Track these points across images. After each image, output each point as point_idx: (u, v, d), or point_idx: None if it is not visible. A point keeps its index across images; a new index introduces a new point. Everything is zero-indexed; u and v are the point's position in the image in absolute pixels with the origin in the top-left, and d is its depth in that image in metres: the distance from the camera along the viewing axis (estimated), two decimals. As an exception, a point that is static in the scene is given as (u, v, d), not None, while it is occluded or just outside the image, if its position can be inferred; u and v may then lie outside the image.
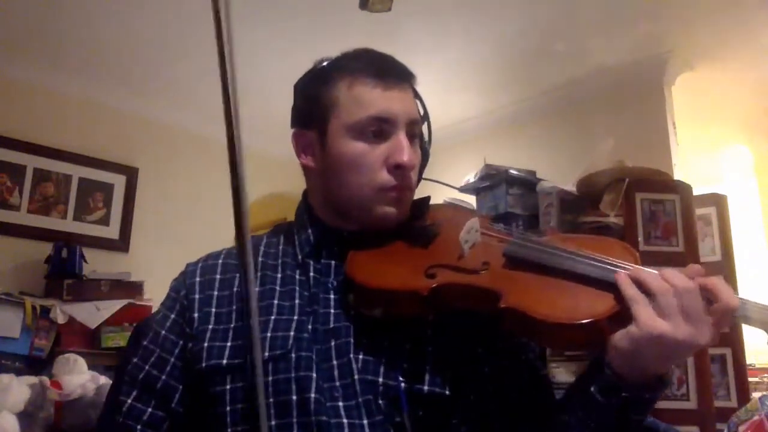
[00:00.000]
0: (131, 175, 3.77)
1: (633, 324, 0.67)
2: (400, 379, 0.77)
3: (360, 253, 0.84)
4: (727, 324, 0.68)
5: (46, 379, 2.50)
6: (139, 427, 0.82)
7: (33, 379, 2.51)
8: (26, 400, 2.42)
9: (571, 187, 2.39)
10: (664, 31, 3.10)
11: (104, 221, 3.65)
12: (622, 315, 0.70)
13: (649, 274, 0.69)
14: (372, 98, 0.85)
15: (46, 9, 2.90)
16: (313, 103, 0.90)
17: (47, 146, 3.46)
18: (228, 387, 0.78)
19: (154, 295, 3.14)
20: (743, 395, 2.18)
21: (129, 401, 0.84)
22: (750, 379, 2.41)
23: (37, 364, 2.77)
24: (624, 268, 0.72)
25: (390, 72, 0.88)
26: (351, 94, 0.86)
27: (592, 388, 0.72)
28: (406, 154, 0.84)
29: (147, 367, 0.85)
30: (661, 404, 2.03)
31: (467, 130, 4.02)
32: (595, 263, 0.74)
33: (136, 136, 3.82)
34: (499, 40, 3.17)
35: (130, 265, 3.50)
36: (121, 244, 3.68)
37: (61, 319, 2.90)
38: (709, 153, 4.12)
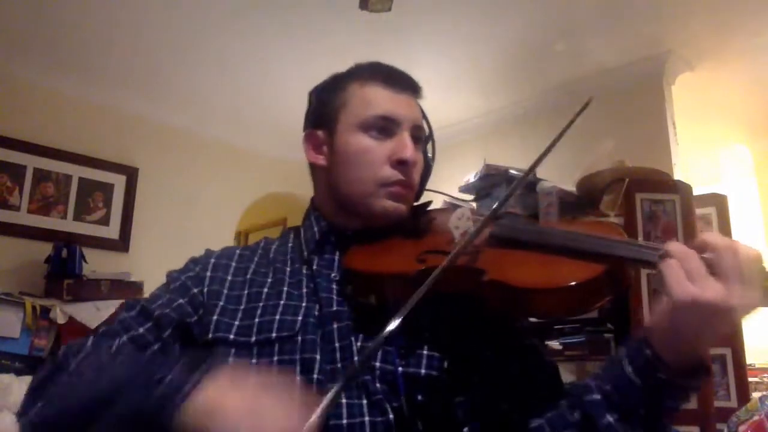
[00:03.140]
0: (131, 175, 3.78)
1: (665, 293, 0.66)
2: (397, 362, 0.78)
3: (359, 246, 0.89)
4: (753, 285, 0.64)
5: (46, 379, 2.50)
6: (125, 337, 0.82)
7: (33, 379, 2.51)
8: (26, 400, 2.42)
9: (571, 187, 2.39)
10: (664, 31, 3.10)
11: (104, 221, 3.66)
12: (606, 282, 0.72)
13: (676, 243, 0.68)
14: (380, 99, 0.91)
15: (47, 9, 2.90)
16: (325, 105, 0.95)
17: (47, 146, 3.47)
18: (231, 360, 0.81)
19: (154, 295, 3.15)
20: (743, 395, 2.18)
21: (125, 315, 0.86)
22: (750, 379, 2.41)
23: (37, 364, 2.77)
24: (612, 243, 0.74)
25: (399, 80, 0.94)
26: (361, 95, 0.92)
27: (627, 368, 0.71)
28: (410, 150, 0.89)
29: (149, 302, 0.87)
30: (661, 404, 2.03)
31: (467, 130, 4.02)
32: (582, 238, 0.77)
33: (136, 136, 3.83)
34: (499, 40, 3.18)
35: (130, 265, 3.51)
36: (121, 244, 3.68)
37: (61, 319, 2.90)
38: (709, 153, 4.12)
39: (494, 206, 0.83)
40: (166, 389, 0.65)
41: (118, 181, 3.74)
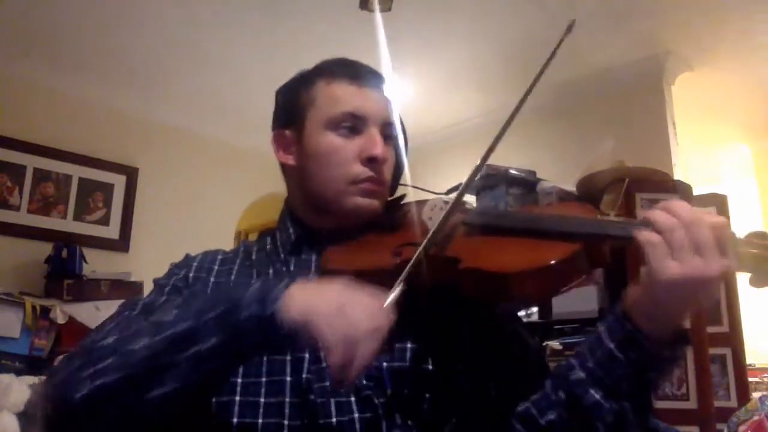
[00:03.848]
0: (131, 175, 3.78)
1: (647, 268, 0.67)
2: (382, 357, 0.78)
3: (335, 246, 0.88)
4: (727, 252, 0.66)
5: (46, 379, 2.50)
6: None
7: (33, 379, 2.51)
8: (26, 400, 2.42)
9: (571, 187, 2.39)
10: (664, 31, 3.10)
11: (104, 221, 3.65)
12: (579, 260, 0.73)
13: (658, 213, 0.69)
14: (347, 95, 0.90)
15: (47, 9, 2.90)
16: (292, 104, 0.95)
17: (47, 146, 3.47)
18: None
19: (154, 295, 3.15)
20: (743, 395, 2.18)
21: (128, 313, 0.83)
22: (750, 379, 2.41)
23: (37, 364, 2.77)
24: (582, 221, 0.75)
25: (365, 74, 0.93)
26: (327, 92, 0.91)
27: (609, 344, 0.71)
28: (379, 147, 0.88)
29: (149, 302, 0.86)
30: (661, 404, 2.03)
31: (467, 130, 4.02)
32: (553, 219, 0.78)
33: (136, 136, 3.83)
34: (499, 40, 3.18)
35: (130, 265, 3.51)
36: (121, 244, 3.68)
37: (61, 319, 2.90)
38: (709, 153, 4.13)
39: (461, 186, 0.82)
40: (254, 296, 0.68)
41: (118, 181, 3.73)
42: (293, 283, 0.68)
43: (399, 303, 0.68)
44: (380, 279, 0.79)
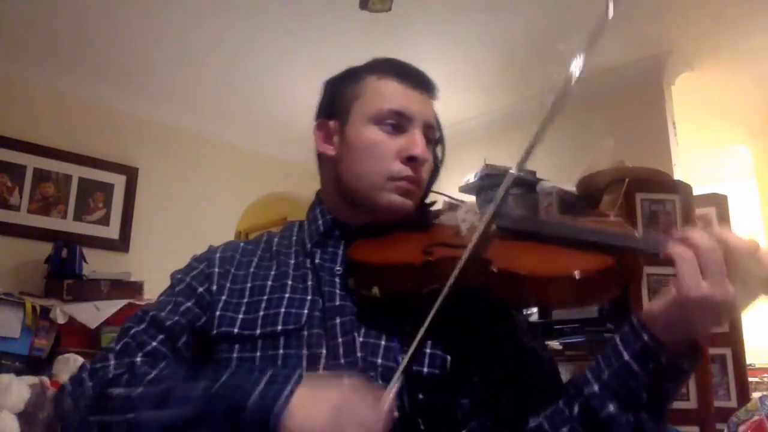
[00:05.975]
0: (131, 175, 3.78)
1: (677, 284, 0.66)
2: (400, 359, 0.77)
3: (364, 240, 0.89)
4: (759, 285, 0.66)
5: (46, 379, 2.50)
6: (139, 354, 0.81)
7: (33, 379, 2.51)
8: (26, 400, 2.42)
9: (571, 187, 2.39)
10: (664, 31, 3.10)
11: (104, 221, 3.65)
12: (614, 274, 0.72)
13: (696, 232, 0.68)
14: (394, 93, 0.91)
15: (47, 9, 2.90)
16: (339, 95, 0.95)
17: (47, 146, 3.47)
18: (235, 355, 0.81)
19: (154, 295, 3.13)
20: (743, 395, 2.18)
21: (136, 328, 0.84)
22: (750, 379, 2.41)
23: (37, 364, 2.77)
24: (622, 235, 0.75)
25: (415, 77, 0.94)
26: (375, 87, 0.92)
27: (625, 356, 0.71)
28: (420, 147, 0.89)
29: (157, 310, 0.86)
30: (661, 404, 2.03)
31: (467, 130, 4.01)
32: (590, 230, 0.78)
33: (136, 136, 3.83)
34: (499, 40, 3.18)
35: (130, 265, 3.51)
36: (121, 244, 3.68)
37: (61, 319, 2.90)
38: (709, 153, 4.12)
39: (499, 194, 0.85)
40: (258, 404, 0.67)
41: (118, 181, 3.73)
42: (296, 390, 0.68)
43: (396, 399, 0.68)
44: (406, 275, 0.80)
